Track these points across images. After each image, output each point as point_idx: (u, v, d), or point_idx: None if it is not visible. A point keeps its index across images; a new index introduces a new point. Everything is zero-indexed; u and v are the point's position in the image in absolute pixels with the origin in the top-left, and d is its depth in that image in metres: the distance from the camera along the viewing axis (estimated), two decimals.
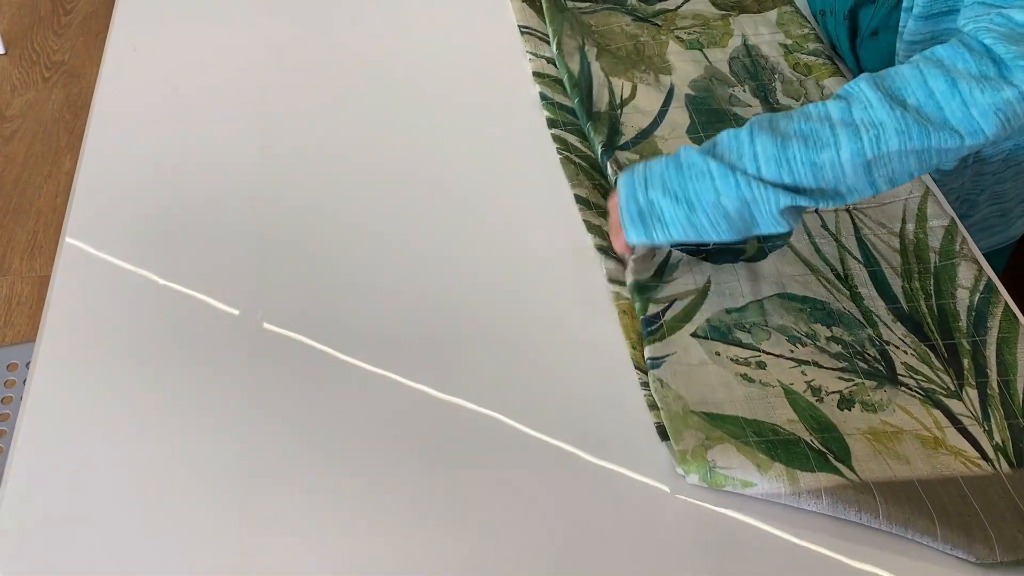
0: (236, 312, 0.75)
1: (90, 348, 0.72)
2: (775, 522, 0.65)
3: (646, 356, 0.74)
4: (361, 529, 0.64)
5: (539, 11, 1.04)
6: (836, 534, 0.65)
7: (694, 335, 0.76)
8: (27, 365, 1.14)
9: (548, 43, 1.00)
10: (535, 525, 0.64)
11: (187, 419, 0.68)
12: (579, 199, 0.85)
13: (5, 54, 2.21)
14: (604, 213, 0.84)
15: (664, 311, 0.77)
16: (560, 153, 0.89)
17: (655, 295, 0.78)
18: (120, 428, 0.67)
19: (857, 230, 0.84)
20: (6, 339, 1.67)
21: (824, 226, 0.85)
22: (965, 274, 0.80)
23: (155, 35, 1.00)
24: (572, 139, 0.91)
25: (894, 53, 0.91)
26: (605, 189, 0.87)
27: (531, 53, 0.99)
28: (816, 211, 0.86)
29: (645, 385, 0.72)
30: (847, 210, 0.86)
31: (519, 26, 1.03)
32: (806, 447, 0.68)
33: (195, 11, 1.04)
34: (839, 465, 0.67)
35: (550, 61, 0.99)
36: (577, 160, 0.89)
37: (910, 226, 0.84)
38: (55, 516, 0.63)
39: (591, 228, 0.83)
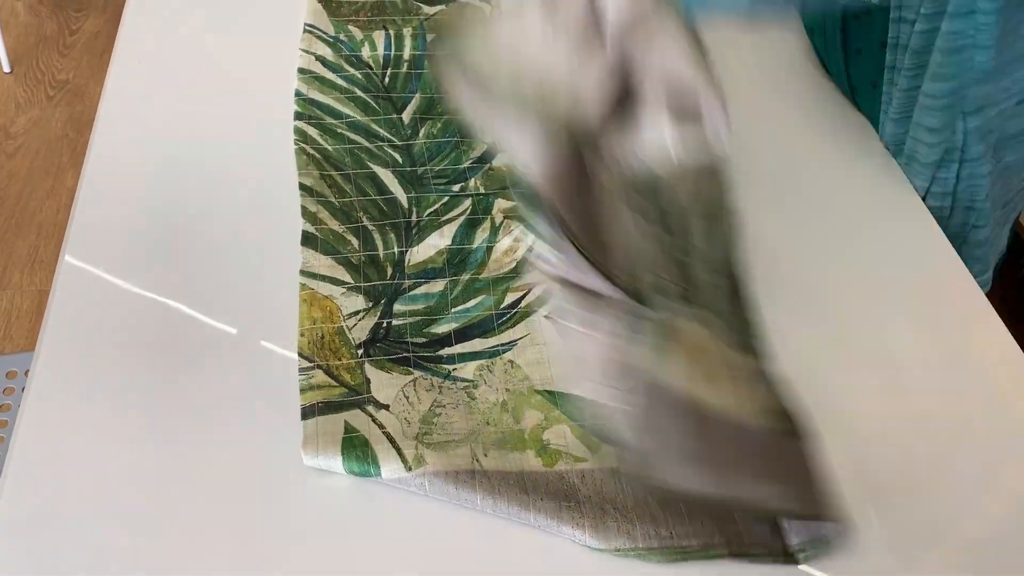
0: (234, 331, 0.77)
1: (88, 360, 0.73)
2: None
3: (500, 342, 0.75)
4: (362, 542, 0.65)
5: (332, 12, 1.05)
6: None
7: (548, 317, 0.78)
8: (25, 373, 1.15)
9: (328, 43, 1.02)
10: None
11: (182, 435, 0.69)
12: (303, 187, 0.87)
13: (11, 73, 2.25)
14: (325, 202, 0.85)
15: (522, 298, 0.79)
16: (296, 144, 0.91)
17: (513, 284, 0.80)
18: (115, 441, 0.68)
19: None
20: (4, 351, 1.70)
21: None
22: None
23: (159, 55, 1.02)
24: (312, 131, 0.92)
25: (882, 70, 0.92)
26: (333, 179, 0.88)
27: (303, 50, 1.01)
28: None
29: (302, 371, 0.72)
30: None
31: (304, 24, 1.04)
32: None
33: (201, 31, 1.05)
34: None
35: (318, 58, 1.00)
36: (311, 151, 0.90)
37: None
38: (50, 522, 0.64)
39: (306, 214, 0.84)
